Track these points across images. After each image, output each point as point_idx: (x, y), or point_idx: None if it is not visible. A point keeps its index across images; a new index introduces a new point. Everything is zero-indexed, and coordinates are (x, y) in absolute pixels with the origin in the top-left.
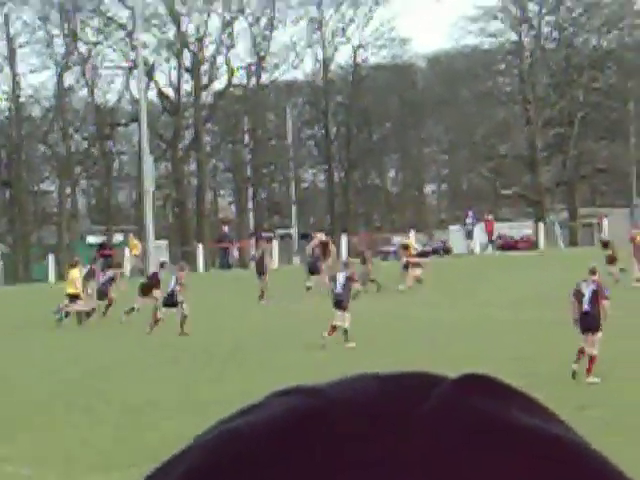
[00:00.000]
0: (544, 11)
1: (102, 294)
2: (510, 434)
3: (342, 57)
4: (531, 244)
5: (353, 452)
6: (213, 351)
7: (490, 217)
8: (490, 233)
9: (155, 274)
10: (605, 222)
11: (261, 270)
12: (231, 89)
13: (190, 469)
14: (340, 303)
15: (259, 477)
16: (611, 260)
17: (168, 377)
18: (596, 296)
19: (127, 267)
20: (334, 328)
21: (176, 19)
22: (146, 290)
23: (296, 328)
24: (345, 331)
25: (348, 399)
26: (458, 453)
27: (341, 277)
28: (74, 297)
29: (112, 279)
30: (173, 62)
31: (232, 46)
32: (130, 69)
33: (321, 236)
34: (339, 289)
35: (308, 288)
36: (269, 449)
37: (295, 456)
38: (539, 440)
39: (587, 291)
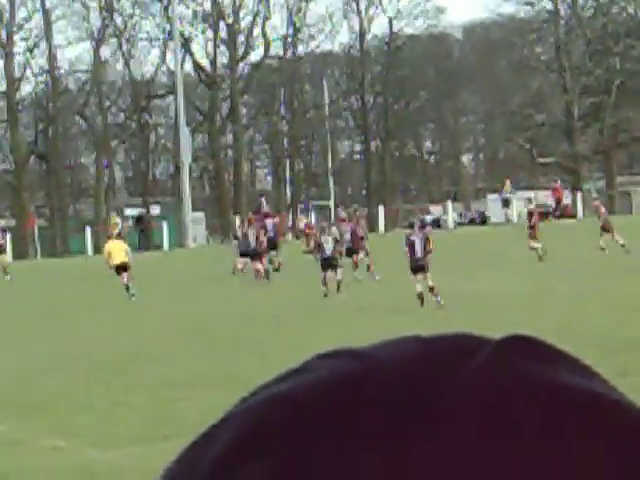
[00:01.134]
0: None
1: None
2: (555, 394)
3: (378, 28)
4: (569, 213)
5: (397, 415)
6: (254, 323)
7: (558, 184)
8: (558, 200)
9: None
10: None
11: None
12: (267, 60)
13: (237, 434)
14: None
15: (306, 441)
16: None
17: (208, 351)
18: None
19: None
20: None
21: None
22: None
23: (333, 299)
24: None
25: (392, 361)
26: (501, 414)
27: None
28: (121, 267)
29: None
30: (209, 34)
31: (268, 17)
32: (166, 41)
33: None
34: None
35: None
36: (315, 413)
37: (341, 420)
38: (584, 398)
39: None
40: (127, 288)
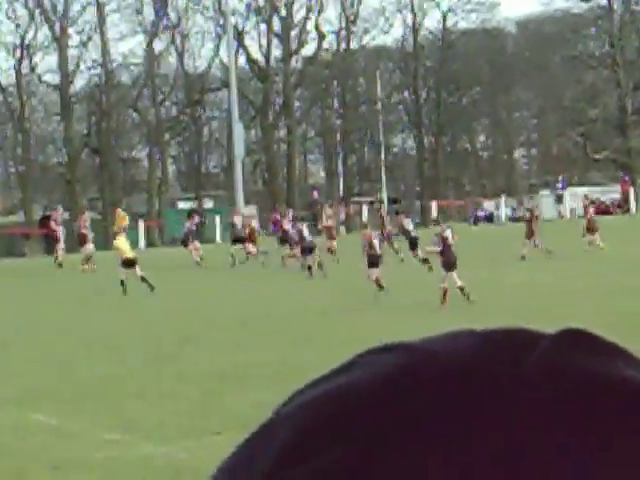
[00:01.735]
0: None
1: None
2: (615, 388)
3: (431, 22)
4: (624, 208)
5: (459, 410)
6: (305, 315)
7: (626, 178)
8: (625, 194)
9: None
10: None
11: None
12: (321, 54)
13: (294, 431)
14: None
15: (364, 438)
16: None
17: (261, 341)
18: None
19: None
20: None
21: None
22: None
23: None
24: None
25: (448, 354)
26: (562, 410)
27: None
28: (131, 261)
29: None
30: (263, 28)
31: (321, 11)
32: (220, 35)
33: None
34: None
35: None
36: (371, 409)
37: (399, 416)
38: None
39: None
40: (143, 280)
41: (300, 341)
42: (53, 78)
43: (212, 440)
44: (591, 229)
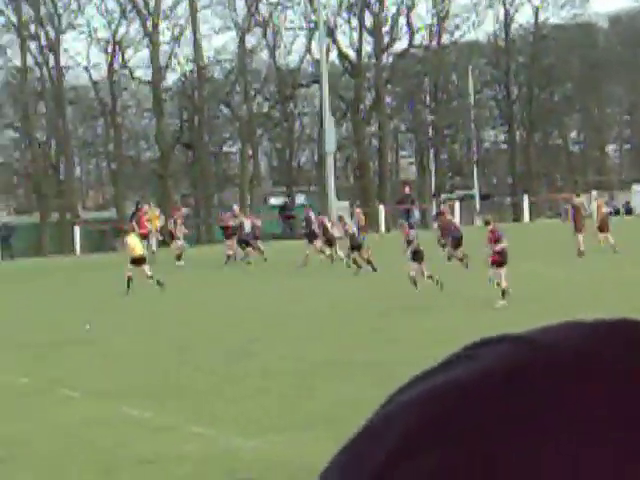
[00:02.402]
0: None
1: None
2: None
3: (523, 17)
4: None
5: (579, 402)
6: (379, 309)
7: None
8: None
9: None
10: None
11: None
12: (412, 50)
13: (407, 427)
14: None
15: (481, 432)
16: None
17: (343, 336)
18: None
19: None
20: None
21: None
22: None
23: (464, 288)
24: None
25: (560, 345)
26: None
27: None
28: (140, 260)
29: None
30: (354, 23)
31: (413, 6)
32: (311, 30)
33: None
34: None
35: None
36: (487, 403)
37: (515, 409)
38: None
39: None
40: (151, 278)
41: (377, 335)
42: (145, 73)
43: (300, 435)
44: (602, 228)
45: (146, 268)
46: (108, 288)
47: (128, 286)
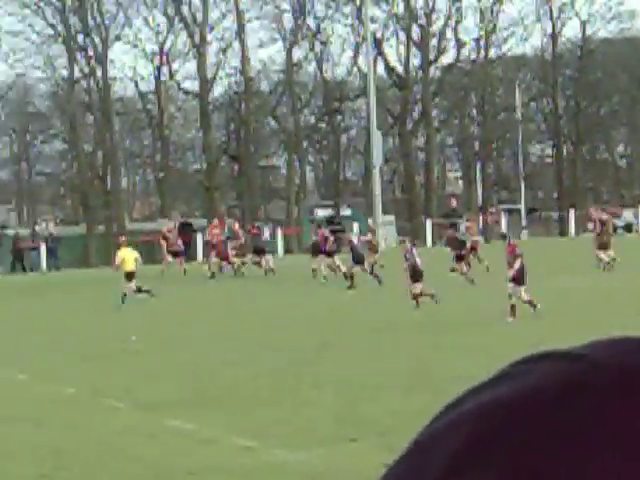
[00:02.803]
0: None
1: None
2: None
3: (570, 31)
4: None
5: (617, 418)
6: (432, 323)
7: None
8: None
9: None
10: None
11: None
12: (459, 63)
13: (459, 444)
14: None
15: (532, 451)
16: None
17: (393, 349)
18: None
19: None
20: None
21: None
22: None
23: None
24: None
25: (610, 362)
26: None
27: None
28: (131, 275)
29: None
30: (402, 36)
31: (460, 20)
32: (358, 43)
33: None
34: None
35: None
36: (537, 421)
37: (567, 427)
38: None
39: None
40: (125, 295)
41: (429, 350)
42: (192, 85)
43: (347, 447)
44: (602, 246)
45: (132, 284)
46: (153, 300)
47: (122, 300)
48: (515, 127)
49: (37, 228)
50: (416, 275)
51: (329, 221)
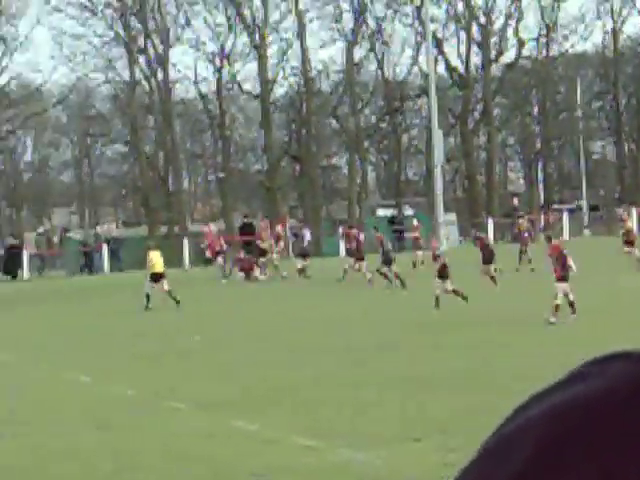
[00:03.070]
0: None
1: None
2: None
3: (631, 28)
4: None
5: None
6: (491, 322)
7: None
8: None
9: None
10: None
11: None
12: (520, 61)
13: (530, 450)
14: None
15: (601, 449)
16: None
17: (455, 348)
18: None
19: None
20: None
21: None
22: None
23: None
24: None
25: None
26: None
27: None
28: (159, 276)
29: None
30: (462, 35)
31: (521, 18)
32: (419, 43)
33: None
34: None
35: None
36: (614, 423)
37: (633, 425)
38: None
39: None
40: (169, 293)
41: (491, 349)
42: (253, 85)
43: (411, 447)
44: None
45: (164, 283)
46: (215, 301)
47: (147, 301)
48: (576, 125)
49: (99, 230)
50: (443, 274)
51: (391, 221)
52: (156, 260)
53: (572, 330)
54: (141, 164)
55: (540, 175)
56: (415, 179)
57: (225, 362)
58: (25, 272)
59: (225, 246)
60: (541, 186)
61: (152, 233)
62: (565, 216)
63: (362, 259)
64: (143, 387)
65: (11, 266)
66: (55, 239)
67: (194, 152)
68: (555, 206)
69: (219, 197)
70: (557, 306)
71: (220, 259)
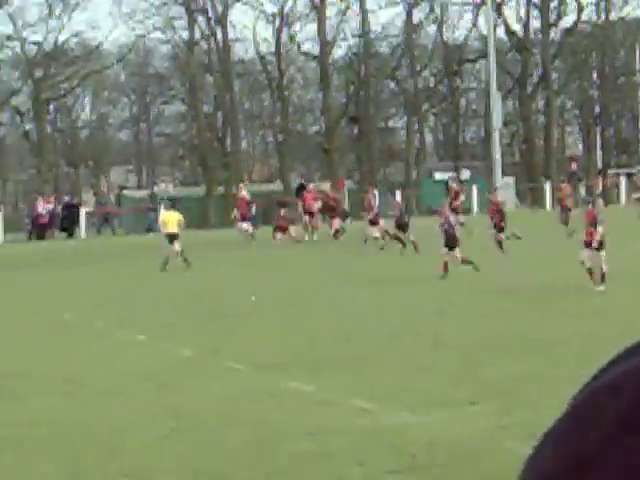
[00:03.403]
0: None
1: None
2: None
3: None
4: None
5: None
6: (550, 288)
7: None
8: None
9: None
10: None
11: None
12: (580, 26)
13: (629, 401)
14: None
15: None
16: None
17: (512, 313)
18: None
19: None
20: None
21: None
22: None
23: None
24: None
25: None
26: None
27: None
28: (173, 236)
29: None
30: None
31: None
32: (479, 5)
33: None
34: None
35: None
36: None
37: None
38: None
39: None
40: (181, 253)
41: (546, 314)
42: (312, 47)
43: (467, 410)
44: None
45: (177, 245)
46: (270, 260)
47: (164, 262)
48: (635, 90)
49: (156, 189)
50: (450, 243)
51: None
52: (169, 220)
53: (618, 296)
54: (199, 124)
55: (598, 140)
56: (473, 143)
57: (285, 324)
58: (82, 231)
59: (254, 211)
60: (599, 151)
61: (210, 193)
62: (623, 181)
63: (377, 223)
64: (202, 347)
65: (68, 224)
66: (112, 197)
67: (253, 112)
68: (612, 171)
69: (277, 158)
70: (590, 271)
71: (245, 225)
